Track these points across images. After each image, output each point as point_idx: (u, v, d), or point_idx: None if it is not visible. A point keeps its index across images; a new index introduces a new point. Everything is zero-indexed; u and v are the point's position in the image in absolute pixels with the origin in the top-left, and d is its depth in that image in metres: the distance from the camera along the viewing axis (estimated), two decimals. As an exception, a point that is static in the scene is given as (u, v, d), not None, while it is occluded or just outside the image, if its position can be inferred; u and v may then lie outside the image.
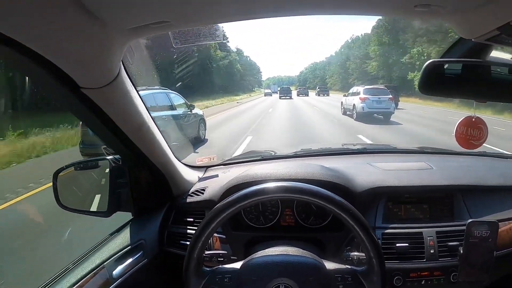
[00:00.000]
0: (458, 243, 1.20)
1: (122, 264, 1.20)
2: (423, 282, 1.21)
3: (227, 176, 1.50)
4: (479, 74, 0.93)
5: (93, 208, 1.39)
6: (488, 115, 14.63)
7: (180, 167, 1.46)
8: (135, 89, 1.05)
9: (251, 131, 11.16)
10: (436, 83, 0.96)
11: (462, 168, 1.56)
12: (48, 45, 0.70)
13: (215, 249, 1.29)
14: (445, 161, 1.69)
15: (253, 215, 1.40)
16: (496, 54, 0.91)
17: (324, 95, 43.72)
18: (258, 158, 1.84)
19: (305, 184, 1.00)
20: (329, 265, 1.02)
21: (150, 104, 6.66)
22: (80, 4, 0.62)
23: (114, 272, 1.17)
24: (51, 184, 1.34)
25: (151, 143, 1.22)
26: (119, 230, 1.36)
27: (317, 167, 1.41)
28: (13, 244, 3.94)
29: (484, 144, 1.22)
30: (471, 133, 1.20)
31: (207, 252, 1.10)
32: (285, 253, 1.05)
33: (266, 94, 51.52)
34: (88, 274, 1.12)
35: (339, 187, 1.31)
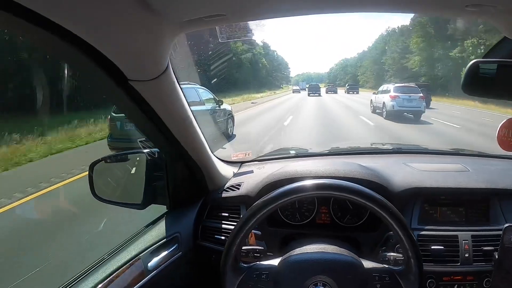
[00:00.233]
0: (493, 248, 1.17)
1: (157, 256, 1.22)
2: (455, 287, 1.19)
3: (262, 172, 1.50)
4: None
5: (128, 200, 1.41)
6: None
7: (216, 162, 1.47)
8: (178, 83, 1.05)
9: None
10: (480, 84, 0.91)
11: (499, 171, 1.52)
12: (101, 37, 0.71)
13: (251, 245, 1.28)
14: (481, 164, 1.65)
15: (289, 212, 1.39)
16: None
17: (354, 93, 42.99)
18: (293, 155, 1.84)
19: (347, 182, 0.99)
20: (367, 263, 1.02)
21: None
22: None
23: (149, 264, 1.18)
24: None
25: (192, 137, 1.24)
26: (154, 222, 1.37)
27: (355, 165, 1.40)
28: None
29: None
30: None
31: (243, 248, 1.10)
32: (323, 250, 1.04)
33: (294, 91, 51.14)
34: (124, 265, 1.13)
35: (378, 186, 1.29)
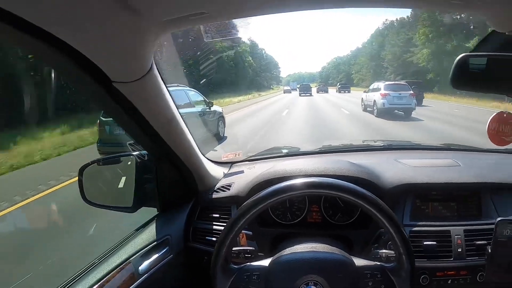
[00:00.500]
0: (486, 242, 1.17)
1: (148, 259, 1.21)
2: (449, 282, 1.19)
3: (253, 172, 1.50)
4: None
5: (118, 203, 1.40)
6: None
7: (206, 163, 1.46)
8: (165, 84, 1.05)
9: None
10: (470, 78, 0.92)
11: (490, 165, 1.54)
12: (82, 38, 0.70)
13: (242, 245, 1.28)
14: (472, 158, 1.67)
15: (280, 212, 1.39)
16: None
17: (345, 92, 43.15)
18: (283, 154, 1.84)
19: (336, 180, 0.99)
20: (358, 261, 1.01)
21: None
22: None
23: (140, 268, 1.17)
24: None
25: (179, 138, 1.23)
26: (144, 225, 1.36)
27: (345, 163, 1.40)
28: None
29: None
30: (503, 129, 1.17)
31: (234, 249, 1.09)
32: (313, 249, 1.04)
33: (285, 91, 51.33)
34: (114, 269, 1.12)
35: (369, 183, 1.29)
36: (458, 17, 30.96)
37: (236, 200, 1.37)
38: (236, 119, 14.18)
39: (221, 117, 9.67)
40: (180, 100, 7.71)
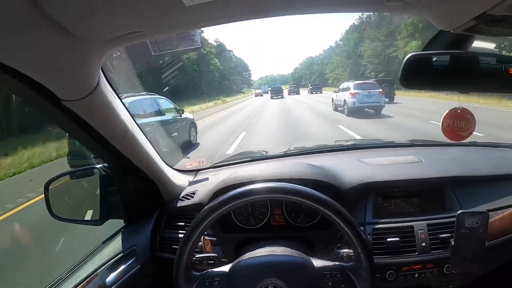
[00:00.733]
0: (449, 235, 1.20)
1: (115, 271, 1.20)
2: (416, 275, 1.22)
3: (217, 178, 1.50)
4: (465, 65, 0.90)
5: (87, 217, 1.38)
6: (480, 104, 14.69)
7: (169, 172, 1.45)
8: (118, 97, 1.04)
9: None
10: (418, 76, 0.93)
11: (452, 159, 1.57)
12: (24, 62, 0.70)
13: (207, 252, 1.28)
14: (435, 154, 1.70)
15: (243, 217, 1.39)
16: (479, 44, 0.90)
17: (317, 93, 43.36)
18: (248, 159, 1.84)
19: (289, 184, 1.00)
20: (317, 262, 1.03)
21: (137, 110, 6.55)
22: (53, 21, 0.62)
23: (107, 280, 1.16)
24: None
25: (137, 150, 1.22)
26: (111, 237, 1.35)
27: (303, 166, 1.42)
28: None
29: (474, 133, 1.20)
30: (458, 125, 1.18)
31: (197, 256, 1.10)
32: (272, 253, 1.05)
33: (257, 95, 51.32)
34: (81, 283, 1.11)
35: (326, 185, 1.31)
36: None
37: (199, 207, 1.35)
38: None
39: (192, 124, 9.59)
40: (150, 108, 7.62)
